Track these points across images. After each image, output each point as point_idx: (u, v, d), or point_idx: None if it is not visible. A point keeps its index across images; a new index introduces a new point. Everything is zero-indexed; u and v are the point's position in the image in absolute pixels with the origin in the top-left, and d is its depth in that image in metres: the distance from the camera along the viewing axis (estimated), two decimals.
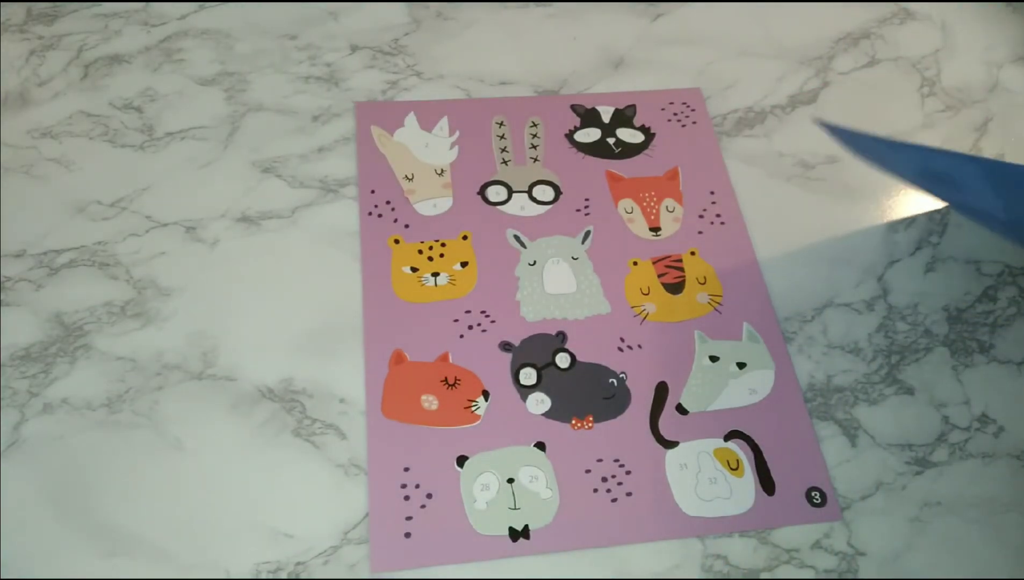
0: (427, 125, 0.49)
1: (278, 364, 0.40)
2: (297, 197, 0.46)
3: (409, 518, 0.36)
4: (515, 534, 0.36)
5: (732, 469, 0.39)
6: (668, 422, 0.40)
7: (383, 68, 0.52)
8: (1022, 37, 0.58)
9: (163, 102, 0.49)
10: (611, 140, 0.50)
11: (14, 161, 0.46)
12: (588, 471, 0.38)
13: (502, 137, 0.49)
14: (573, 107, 0.51)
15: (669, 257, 0.45)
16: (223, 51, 0.52)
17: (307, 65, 0.52)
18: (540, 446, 0.39)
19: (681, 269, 0.45)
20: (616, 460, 0.39)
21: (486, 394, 0.40)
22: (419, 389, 0.40)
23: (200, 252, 0.44)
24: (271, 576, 0.35)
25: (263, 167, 0.47)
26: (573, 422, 0.40)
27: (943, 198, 0.44)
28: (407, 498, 0.37)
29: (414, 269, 0.43)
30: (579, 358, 0.42)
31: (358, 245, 0.45)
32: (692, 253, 0.45)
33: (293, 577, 0.35)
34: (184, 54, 0.52)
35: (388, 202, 0.46)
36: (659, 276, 0.44)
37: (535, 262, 0.44)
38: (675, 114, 0.51)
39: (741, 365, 0.42)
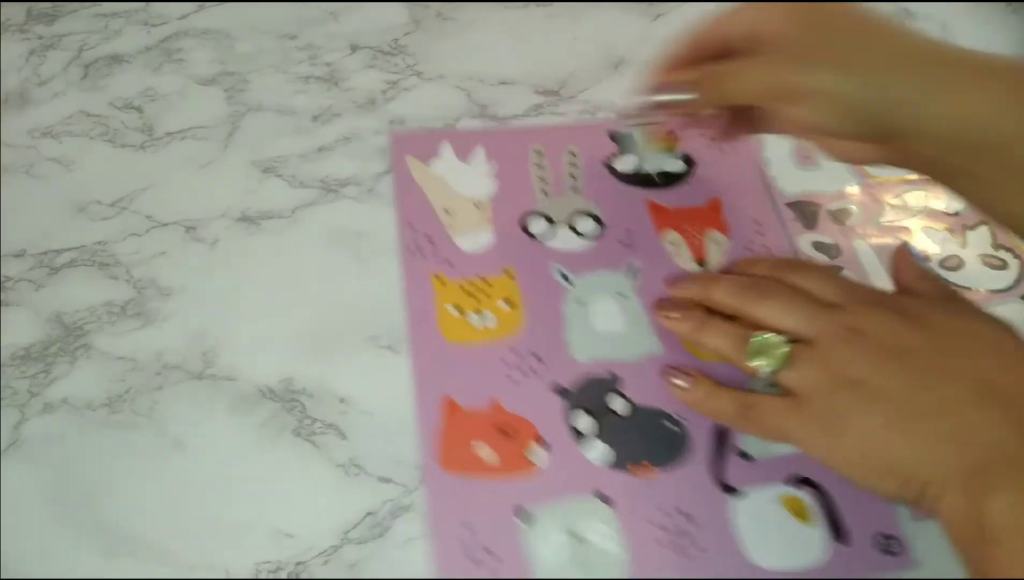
0: (463, 155, 0.48)
1: (278, 364, 0.40)
2: (297, 197, 0.46)
3: None
4: None
5: (802, 518, 0.37)
6: (732, 469, 0.39)
7: (383, 68, 0.52)
8: (1022, 37, 0.58)
9: (163, 102, 0.49)
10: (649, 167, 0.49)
11: (14, 161, 0.46)
12: (653, 523, 0.37)
13: (540, 166, 0.48)
14: (610, 133, 0.50)
15: None
16: (223, 51, 0.52)
17: (307, 65, 0.52)
18: (602, 497, 0.37)
19: None
20: (681, 511, 0.37)
21: (543, 442, 0.39)
22: (474, 439, 0.38)
23: (200, 252, 0.44)
24: (271, 576, 0.35)
25: (263, 167, 0.47)
26: (635, 471, 0.38)
27: None
28: (473, 559, 0.36)
29: (459, 308, 0.42)
30: (635, 401, 0.40)
31: (358, 245, 0.45)
32: None
33: (293, 577, 0.35)
34: (184, 54, 0.52)
35: (428, 237, 0.44)
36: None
37: (581, 299, 0.43)
38: (713, 138, 0.49)
39: None
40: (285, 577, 0.35)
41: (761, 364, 0.35)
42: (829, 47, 0.34)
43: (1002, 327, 0.35)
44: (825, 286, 0.38)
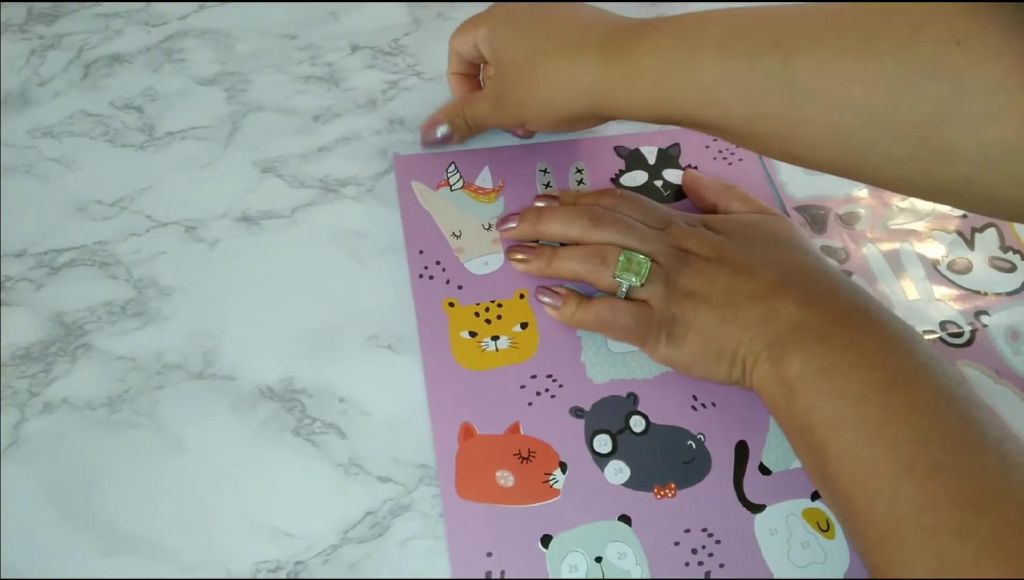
0: (469, 176, 0.47)
1: (278, 364, 0.40)
2: (297, 197, 0.46)
3: None
4: None
5: (823, 530, 0.38)
6: (752, 484, 0.39)
7: (383, 68, 0.52)
8: None
9: (163, 102, 0.49)
10: (658, 182, 0.48)
11: (15, 161, 0.46)
12: (677, 543, 0.37)
13: (547, 185, 0.47)
14: (616, 149, 0.49)
15: None
16: (223, 51, 0.52)
17: (307, 65, 0.52)
18: (624, 519, 0.37)
19: None
20: (704, 529, 0.37)
21: (563, 466, 0.38)
22: (493, 465, 0.38)
23: (201, 252, 0.44)
24: (271, 575, 0.35)
25: (263, 167, 0.47)
26: (655, 491, 0.38)
27: None
28: None
29: (472, 334, 0.42)
30: (653, 420, 0.40)
31: (357, 245, 0.45)
32: None
33: (293, 576, 0.35)
34: (184, 54, 0.52)
35: (438, 262, 0.44)
36: None
37: None
38: (720, 151, 0.49)
39: None
40: (285, 576, 0.35)
41: (631, 279, 0.39)
42: (524, 67, 0.40)
43: (778, 219, 0.43)
44: (647, 213, 0.42)
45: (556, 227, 0.42)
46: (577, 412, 0.40)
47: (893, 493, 0.31)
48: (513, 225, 0.43)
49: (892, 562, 0.31)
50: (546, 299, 0.41)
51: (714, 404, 0.41)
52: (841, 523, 0.35)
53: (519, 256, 0.43)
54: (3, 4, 0.53)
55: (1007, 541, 0.29)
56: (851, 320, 0.37)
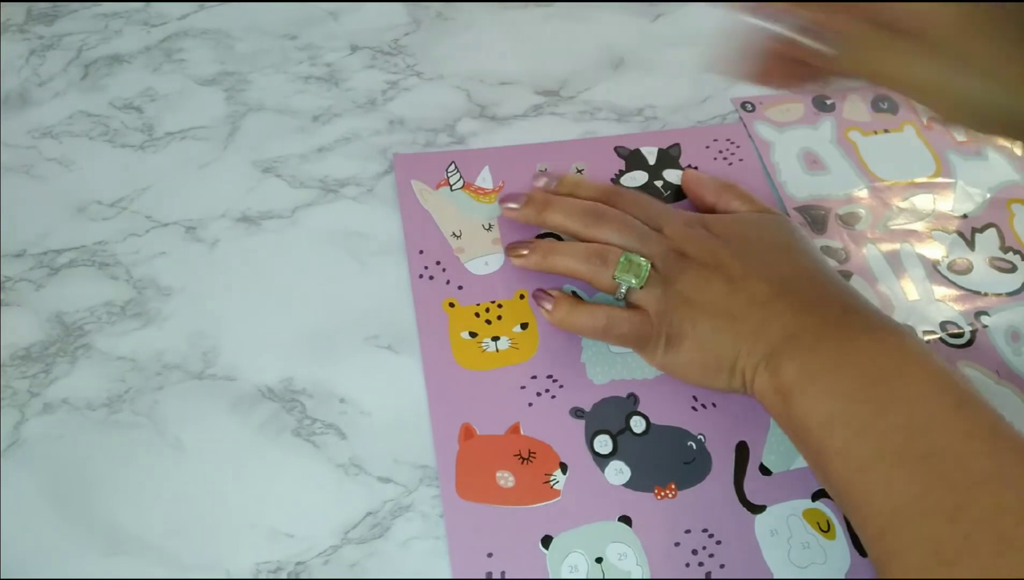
0: (469, 176, 0.47)
1: (278, 364, 0.40)
2: (297, 197, 0.46)
3: None
4: None
5: (823, 531, 0.37)
6: (753, 485, 0.38)
7: (383, 68, 0.52)
8: None
9: (163, 102, 0.49)
10: (658, 183, 0.48)
11: (14, 161, 0.46)
12: (677, 544, 0.37)
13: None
14: (616, 149, 0.49)
15: None
16: (223, 51, 0.52)
17: (307, 65, 0.52)
18: (625, 520, 0.37)
19: None
20: (705, 530, 0.37)
21: (563, 467, 0.38)
22: (493, 466, 0.38)
23: (200, 252, 0.44)
24: (271, 576, 0.35)
25: (263, 167, 0.47)
26: (656, 491, 0.38)
27: None
28: None
29: (473, 334, 0.41)
30: (654, 421, 0.40)
31: (357, 245, 0.45)
32: None
33: (293, 577, 0.35)
34: (184, 54, 0.52)
35: (438, 263, 0.44)
36: None
37: None
38: (720, 152, 0.49)
39: None
40: (285, 577, 0.35)
41: (630, 281, 0.39)
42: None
43: (778, 220, 0.43)
44: (648, 212, 0.42)
45: (558, 217, 0.42)
46: (577, 413, 0.40)
47: (888, 483, 0.31)
48: (516, 206, 0.43)
49: (891, 550, 0.31)
50: (545, 305, 0.41)
51: (714, 405, 0.41)
52: (848, 521, 0.35)
53: (520, 252, 0.43)
54: (3, 4, 0.53)
55: (1000, 521, 0.29)
56: (844, 321, 0.37)
